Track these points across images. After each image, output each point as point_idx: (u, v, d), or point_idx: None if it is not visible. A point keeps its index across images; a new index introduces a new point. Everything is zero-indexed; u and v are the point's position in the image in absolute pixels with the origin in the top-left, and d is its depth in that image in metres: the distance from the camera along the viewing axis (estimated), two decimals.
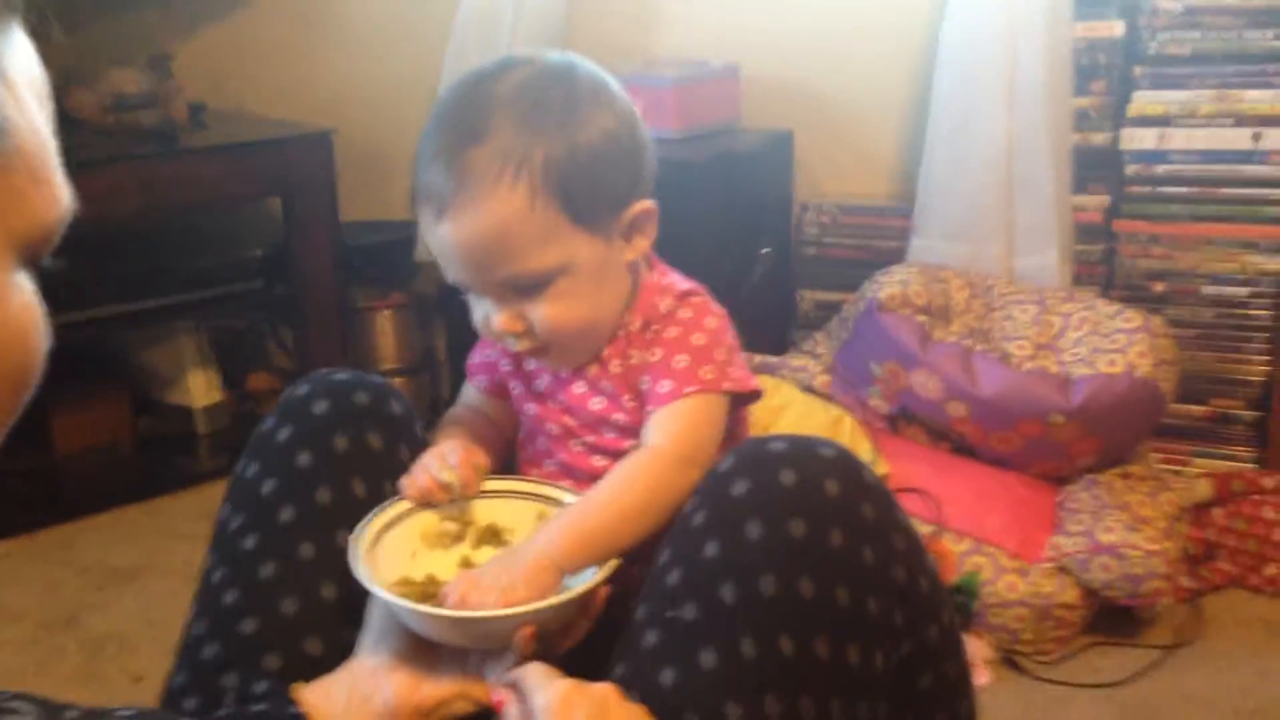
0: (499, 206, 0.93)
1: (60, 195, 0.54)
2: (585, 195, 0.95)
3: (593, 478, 1.00)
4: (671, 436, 0.97)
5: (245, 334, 2.69)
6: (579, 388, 1.04)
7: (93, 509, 2.22)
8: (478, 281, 0.98)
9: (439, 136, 0.97)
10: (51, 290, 2.10)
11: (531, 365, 1.08)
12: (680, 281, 1.05)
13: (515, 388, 1.10)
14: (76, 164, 2.08)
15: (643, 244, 1.02)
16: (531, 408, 1.08)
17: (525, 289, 0.97)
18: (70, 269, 2.22)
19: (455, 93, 0.99)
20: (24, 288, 0.52)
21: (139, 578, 1.99)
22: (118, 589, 1.96)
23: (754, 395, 1.03)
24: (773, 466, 0.88)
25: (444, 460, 1.02)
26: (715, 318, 1.02)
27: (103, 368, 2.51)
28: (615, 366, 1.03)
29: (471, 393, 1.15)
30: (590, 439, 1.05)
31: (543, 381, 1.07)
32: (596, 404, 1.03)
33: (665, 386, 0.98)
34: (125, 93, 2.32)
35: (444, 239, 0.96)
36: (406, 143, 2.87)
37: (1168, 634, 1.78)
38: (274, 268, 2.39)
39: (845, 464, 0.89)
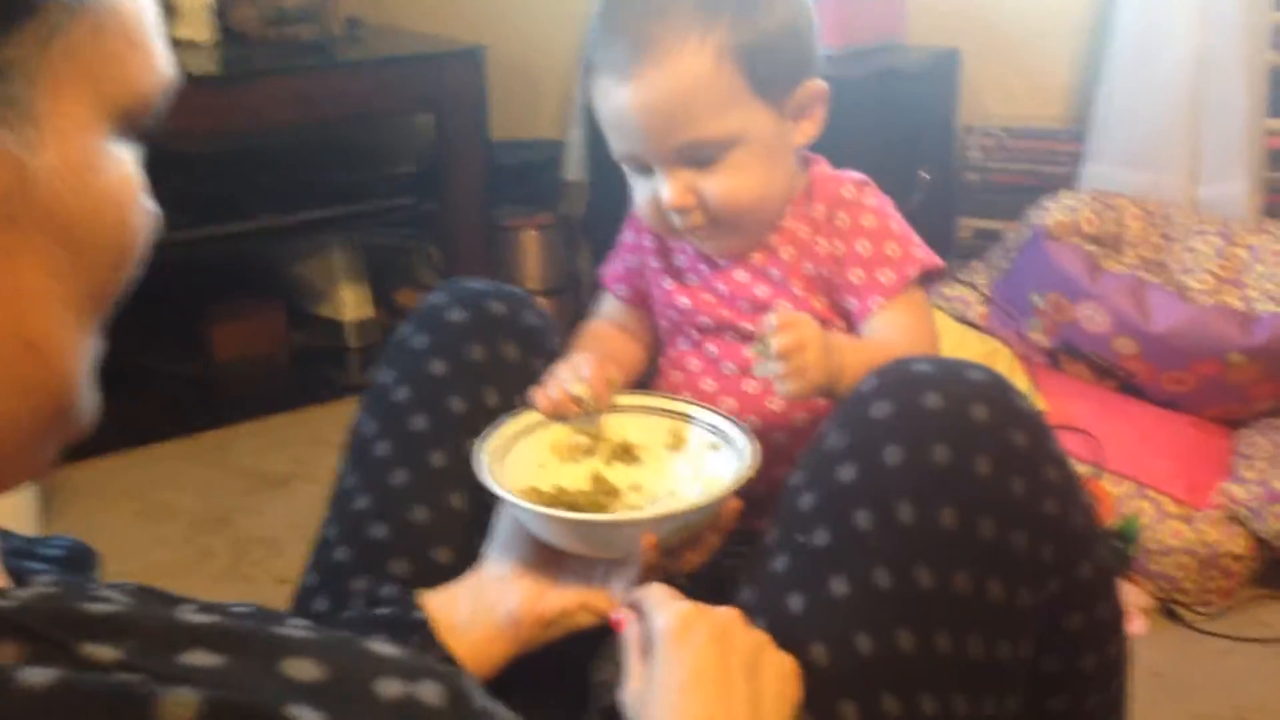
0: (685, 67, 0.93)
1: (158, 63, 0.51)
2: (766, 65, 0.96)
3: (744, 371, 1.01)
4: (916, 326, 0.99)
5: (396, 250, 2.72)
6: (741, 275, 1.04)
7: (247, 415, 2.29)
8: (653, 149, 0.97)
9: (622, 8, 0.97)
10: (210, 201, 2.15)
11: (682, 260, 1.07)
12: (847, 171, 1.05)
13: (665, 283, 1.08)
14: (235, 76, 2.12)
15: (810, 129, 1.02)
16: (684, 300, 1.06)
17: (701, 159, 0.97)
18: (227, 182, 2.28)
19: None
20: (123, 159, 0.50)
21: (288, 483, 2.04)
22: (268, 493, 2.02)
23: (943, 271, 1.05)
24: (917, 388, 0.82)
25: (577, 372, 1.00)
26: (891, 204, 1.04)
27: (259, 280, 2.58)
28: (787, 253, 1.02)
29: (610, 304, 1.14)
30: (747, 326, 1.03)
31: (698, 273, 1.06)
32: (761, 291, 1.03)
33: (888, 277, 0.99)
34: (285, 6, 2.35)
35: (624, 103, 0.95)
36: (557, 61, 2.87)
37: None
38: (424, 184, 2.41)
39: (996, 388, 0.83)
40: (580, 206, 2.58)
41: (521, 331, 1.05)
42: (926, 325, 1.02)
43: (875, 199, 1.03)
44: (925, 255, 1.01)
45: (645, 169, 0.99)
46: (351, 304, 2.60)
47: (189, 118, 2.08)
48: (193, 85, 2.29)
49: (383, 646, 0.47)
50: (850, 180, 1.04)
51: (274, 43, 2.34)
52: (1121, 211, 1.94)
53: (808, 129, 1.02)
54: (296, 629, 0.47)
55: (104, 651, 0.42)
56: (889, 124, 2.08)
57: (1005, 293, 1.96)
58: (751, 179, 0.98)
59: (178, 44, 2.40)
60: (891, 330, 0.99)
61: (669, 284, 1.08)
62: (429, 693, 0.45)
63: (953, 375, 0.83)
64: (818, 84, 1.01)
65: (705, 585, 1.00)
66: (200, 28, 2.36)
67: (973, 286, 2.05)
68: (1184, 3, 1.95)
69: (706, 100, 0.94)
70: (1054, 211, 1.88)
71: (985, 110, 2.30)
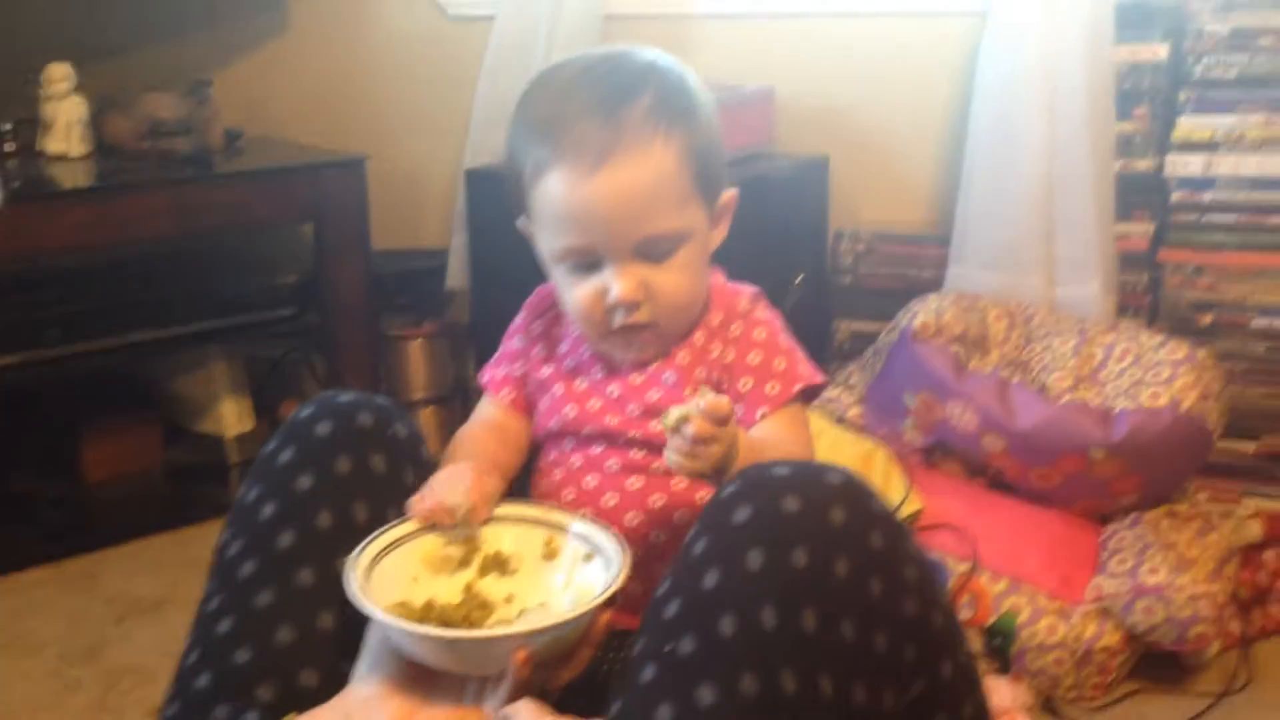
0: (655, 162, 0.98)
1: None
2: (706, 168, 1.02)
3: (626, 470, 1.03)
4: (795, 434, 1.04)
5: (279, 362, 2.69)
6: (635, 379, 1.06)
7: (121, 538, 2.20)
8: (614, 242, 0.99)
9: (588, 93, 1.00)
10: (83, 316, 2.08)
11: (573, 365, 1.09)
12: (741, 284, 1.11)
13: (556, 390, 1.09)
14: (109, 189, 2.08)
15: (720, 235, 1.08)
16: (570, 409, 1.07)
17: (656, 254, 1.01)
18: (102, 294, 2.23)
19: (590, 62, 1.03)
20: None
21: (161, 608, 1.97)
22: (139, 619, 1.94)
23: (823, 387, 1.09)
24: (776, 492, 0.84)
25: (454, 484, 1.00)
26: (780, 318, 1.10)
27: (134, 396, 2.52)
28: (683, 358, 1.06)
29: (489, 408, 1.14)
30: (634, 434, 1.04)
31: (589, 377, 1.08)
32: (653, 395, 1.05)
33: (774, 388, 1.04)
34: (161, 118, 2.33)
35: (590, 194, 0.98)
36: (439, 169, 2.90)
37: (1216, 681, 1.70)
38: (306, 295, 2.39)
39: (852, 490, 0.85)
40: (464, 314, 2.58)
41: (390, 443, 1.04)
42: (805, 436, 1.06)
43: (767, 313, 1.09)
44: (809, 374, 1.07)
45: (591, 266, 1.01)
46: (232, 418, 2.55)
47: (63, 233, 2.07)
48: (65, 199, 2.27)
49: None
50: (746, 293, 1.10)
51: (150, 155, 2.33)
52: (984, 313, 2.00)
53: (719, 235, 1.08)
54: None
55: None
56: (762, 229, 2.13)
57: (879, 393, 2.01)
58: (693, 278, 1.04)
59: (50, 159, 2.37)
60: (774, 438, 1.02)
61: (559, 390, 1.09)
62: None
63: (811, 478, 0.85)
64: (732, 192, 1.08)
65: (582, 694, 0.99)
66: (73, 141, 2.33)
67: (849, 387, 2.09)
68: (1032, 113, 2.03)
69: (670, 195, 1.00)
70: (920, 314, 1.94)
71: (855, 215, 2.38)
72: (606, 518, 1.03)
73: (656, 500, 1.03)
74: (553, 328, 1.13)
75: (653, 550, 1.03)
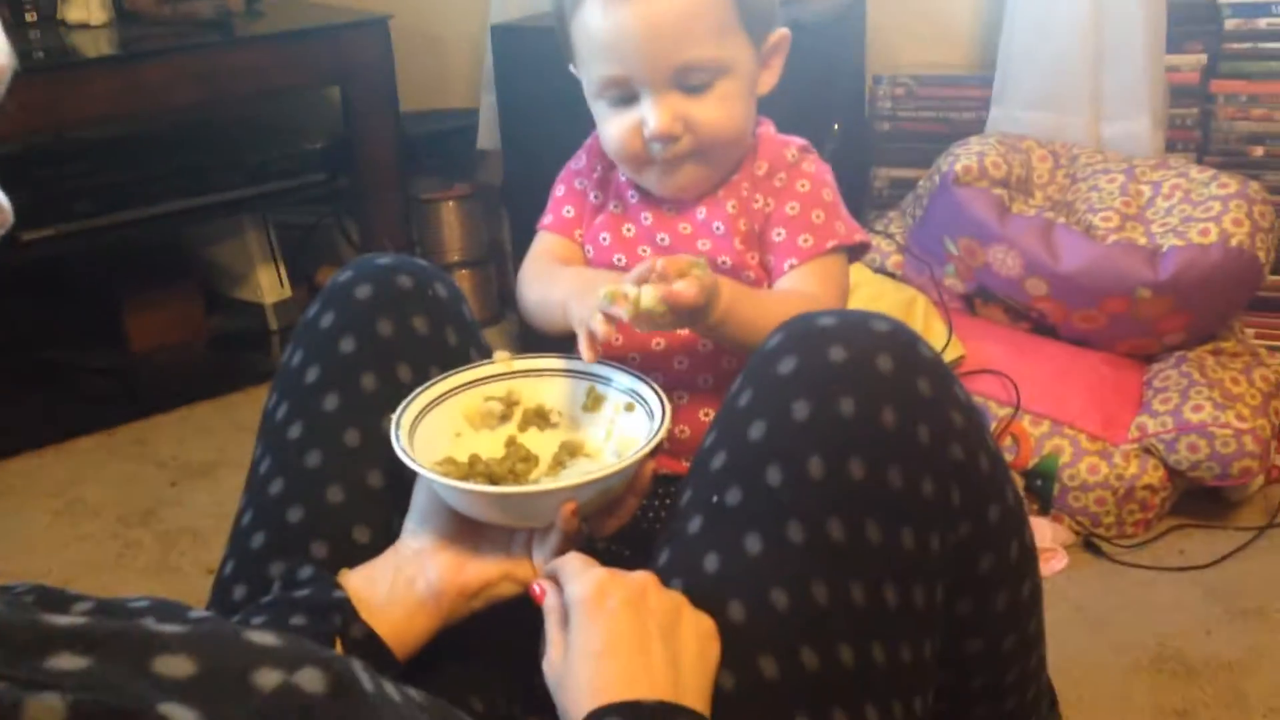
0: None
1: None
2: (752, 2, 0.99)
3: (667, 337, 1.01)
4: (822, 288, 1.01)
5: (313, 228, 2.68)
6: (684, 227, 1.05)
7: (168, 405, 2.24)
8: (649, 71, 0.97)
9: None
10: (115, 187, 2.07)
11: (623, 209, 1.07)
12: (792, 136, 1.08)
13: (602, 238, 1.08)
14: (132, 57, 2.04)
15: (770, 79, 1.05)
16: (620, 258, 1.06)
17: (693, 84, 0.98)
18: (133, 166, 2.22)
19: None
20: None
21: (212, 472, 2.01)
22: (192, 483, 1.99)
23: (867, 246, 1.07)
24: (821, 342, 0.83)
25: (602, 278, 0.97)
26: (830, 173, 1.06)
27: (174, 266, 2.53)
28: (731, 207, 1.03)
29: (554, 244, 1.11)
30: None
31: (639, 224, 1.07)
32: (703, 244, 1.04)
33: (807, 241, 1.02)
34: None
35: (625, 20, 0.96)
36: (464, 29, 2.82)
37: (1258, 515, 1.70)
38: (336, 160, 2.36)
39: (899, 338, 0.84)
40: (497, 175, 2.55)
41: (430, 304, 1.04)
42: (834, 291, 1.02)
43: (814, 166, 1.05)
44: (847, 231, 1.03)
45: (627, 98, 1.00)
46: (269, 286, 2.56)
47: (87, 103, 2.05)
48: (88, 69, 2.24)
49: (263, 636, 0.46)
50: (795, 144, 1.06)
51: (171, 21, 2.29)
52: (1028, 154, 1.96)
53: (768, 79, 1.04)
54: (178, 625, 0.47)
55: None
56: (798, 76, 2.05)
57: (919, 240, 1.98)
58: (735, 111, 1.00)
59: (71, 27, 2.33)
60: (803, 285, 1.01)
61: (605, 239, 1.08)
62: (310, 679, 0.44)
63: (856, 327, 0.84)
64: (785, 32, 1.04)
65: (630, 541, 1.01)
66: (94, 10, 2.29)
67: (888, 235, 2.06)
68: None
69: (708, 22, 0.96)
70: (962, 157, 1.90)
71: (893, 59, 2.31)
72: (655, 362, 1.04)
73: (705, 345, 1.03)
74: (609, 172, 1.11)
75: (700, 394, 1.04)
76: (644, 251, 1.06)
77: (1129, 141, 1.99)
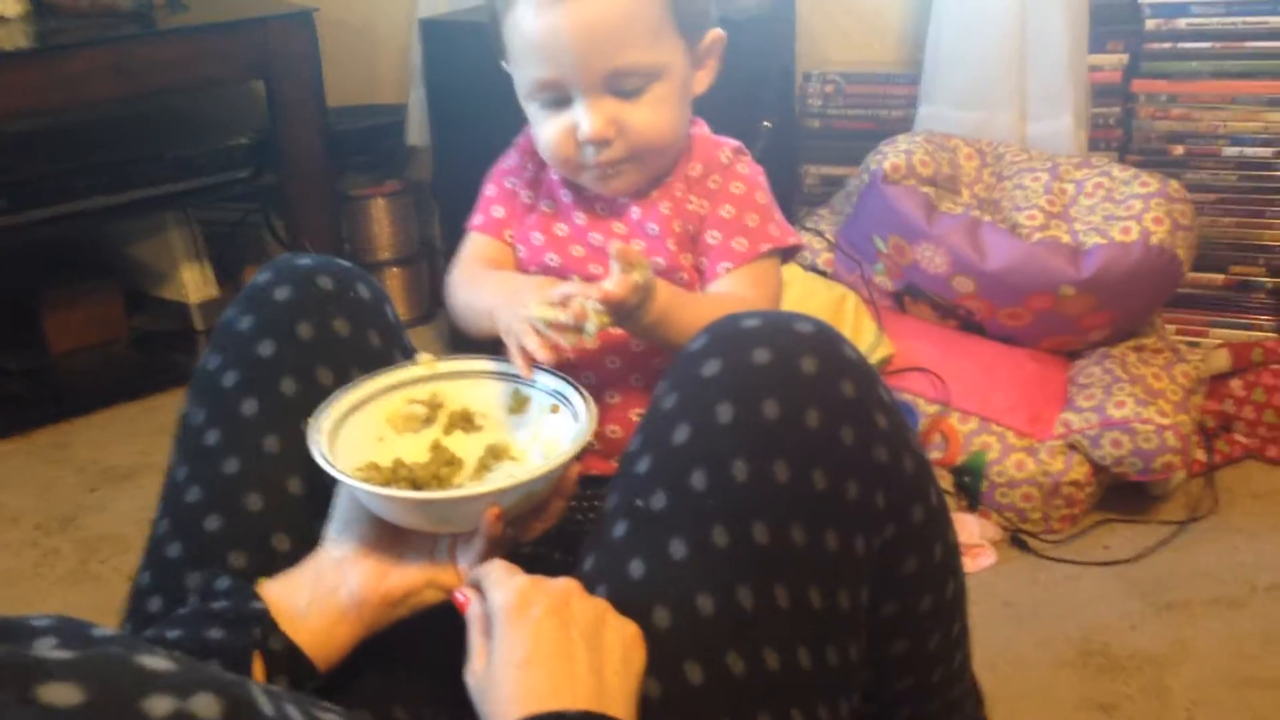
0: None
1: None
2: (687, 4, 0.98)
3: (601, 337, 0.97)
4: (755, 291, 1.01)
5: (239, 226, 2.64)
6: (618, 227, 1.04)
7: (88, 408, 2.20)
8: (582, 75, 0.96)
9: None
10: (33, 182, 2.01)
11: (555, 208, 1.07)
12: (725, 137, 1.07)
13: (534, 238, 1.07)
14: (49, 50, 1.99)
15: (706, 79, 1.04)
16: (553, 258, 1.05)
17: (626, 89, 0.97)
18: (51, 160, 2.16)
19: None
20: None
21: (134, 476, 1.97)
22: (113, 488, 1.94)
23: (800, 248, 1.07)
24: (746, 344, 0.82)
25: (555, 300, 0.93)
26: (763, 175, 1.06)
27: (94, 265, 2.47)
28: (665, 208, 1.03)
29: (484, 246, 1.10)
30: None
31: (572, 223, 1.06)
32: (637, 245, 1.03)
33: (741, 244, 1.02)
34: None
35: (558, 23, 0.95)
36: (392, 23, 2.79)
37: (1181, 510, 1.73)
38: (262, 155, 2.32)
39: (823, 339, 0.83)
40: (427, 172, 2.53)
41: (352, 305, 1.02)
42: (768, 293, 1.03)
43: (748, 168, 1.05)
44: (780, 235, 1.03)
45: (560, 100, 0.99)
46: (195, 284, 2.51)
47: (2, 96, 1.99)
48: (4, 62, 2.17)
49: (156, 661, 0.44)
50: (729, 146, 1.06)
51: (89, 13, 2.23)
52: (955, 152, 1.97)
53: (704, 79, 1.04)
54: (71, 650, 0.45)
55: None
56: (729, 73, 2.05)
57: (849, 238, 1.99)
58: (669, 115, 1.00)
59: None
60: (736, 287, 1.01)
61: (537, 240, 1.07)
62: (204, 705, 0.43)
63: (780, 329, 0.83)
64: (720, 33, 1.04)
65: (558, 543, 1.00)
66: (8, 2, 2.23)
67: (818, 233, 2.07)
68: None
69: (642, 26, 0.96)
70: (890, 156, 1.91)
71: (822, 57, 2.32)
72: (587, 362, 1.03)
73: (636, 345, 1.03)
74: (540, 171, 1.10)
75: (632, 393, 1.04)
76: (576, 251, 1.05)
77: (1053, 140, 2.02)
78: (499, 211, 1.10)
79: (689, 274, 1.03)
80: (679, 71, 1.00)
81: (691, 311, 0.95)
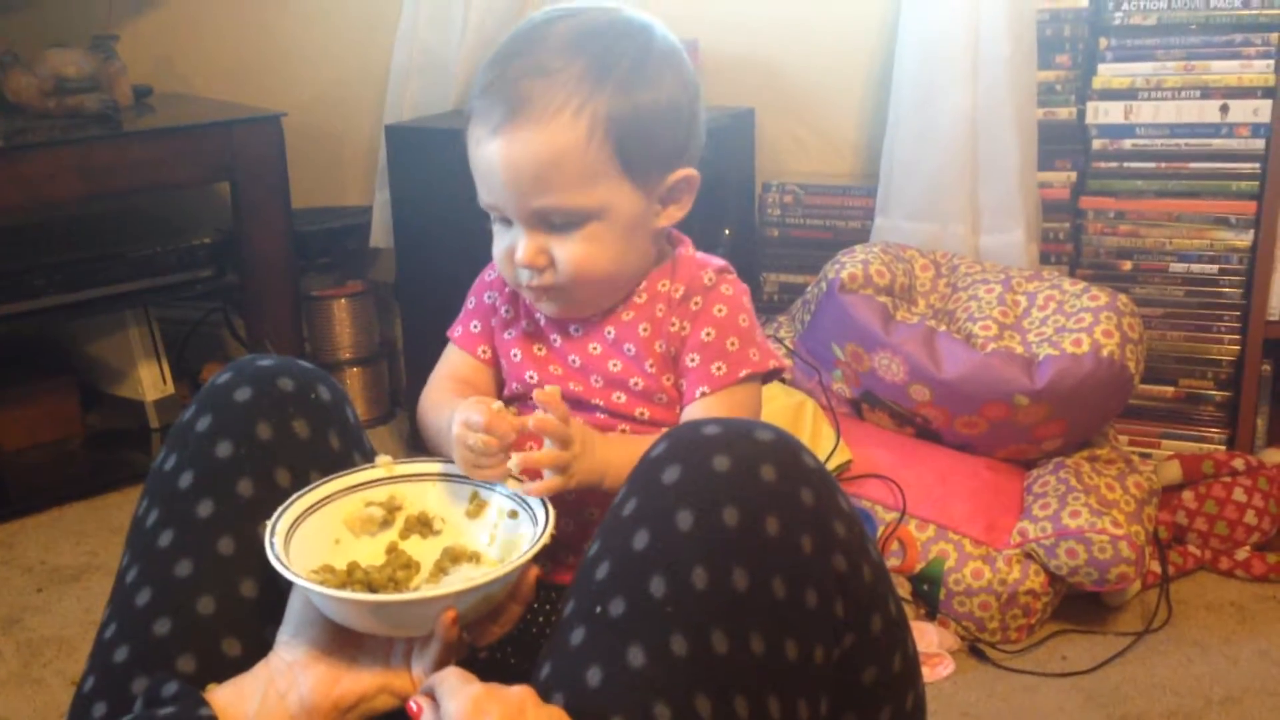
0: (556, 135, 0.94)
1: None
2: (639, 145, 0.97)
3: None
4: (729, 416, 0.97)
5: (199, 324, 2.63)
6: (594, 348, 1.04)
7: (38, 506, 2.16)
8: (514, 206, 0.98)
9: (507, 62, 0.97)
10: None
11: (532, 328, 1.07)
12: (711, 257, 1.07)
13: (514, 354, 1.08)
14: (14, 149, 2.00)
15: (677, 213, 1.03)
16: (532, 375, 1.06)
17: (558, 225, 0.98)
18: (11, 258, 2.16)
19: (529, 26, 1.00)
20: None
21: (83, 577, 1.93)
22: (60, 589, 1.90)
23: (780, 371, 1.06)
24: (705, 451, 0.83)
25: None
26: (747, 295, 1.05)
27: (49, 361, 2.45)
28: (643, 330, 1.03)
29: (460, 364, 1.11)
30: (596, 401, 1.03)
31: (548, 343, 1.06)
32: (614, 365, 1.03)
33: (720, 369, 1.01)
34: (66, 75, 2.26)
35: (492, 156, 0.96)
36: (358, 126, 2.83)
37: (1136, 620, 1.74)
38: (224, 255, 2.33)
39: (783, 447, 0.84)
40: (390, 273, 2.54)
41: (313, 407, 1.02)
42: (748, 413, 1.02)
43: (732, 289, 1.03)
44: (761, 359, 1.02)
45: (506, 220, 1.00)
46: (151, 382, 2.49)
47: None
48: None
49: None
50: (713, 266, 1.05)
51: (56, 113, 2.25)
52: (911, 263, 2.01)
53: (674, 213, 1.03)
54: None
55: None
56: None
57: (808, 345, 2.01)
58: (604, 253, 0.99)
59: None
60: (713, 414, 0.99)
61: (518, 355, 1.07)
62: None
63: (740, 436, 0.84)
64: (690, 173, 1.02)
65: (516, 649, 0.99)
66: None
67: (778, 340, 2.09)
68: (955, 62, 2.04)
69: (572, 171, 0.95)
70: (848, 265, 1.94)
71: (781, 167, 2.37)
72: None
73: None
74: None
75: (589, 493, 1.02)
76: (555, 371, 1.05)
77: (1005, 252, 2.07)
78: (476, 326, 1.11)
79: (670, 394, 1.03)
80: (624, 212, 0.98)
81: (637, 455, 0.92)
